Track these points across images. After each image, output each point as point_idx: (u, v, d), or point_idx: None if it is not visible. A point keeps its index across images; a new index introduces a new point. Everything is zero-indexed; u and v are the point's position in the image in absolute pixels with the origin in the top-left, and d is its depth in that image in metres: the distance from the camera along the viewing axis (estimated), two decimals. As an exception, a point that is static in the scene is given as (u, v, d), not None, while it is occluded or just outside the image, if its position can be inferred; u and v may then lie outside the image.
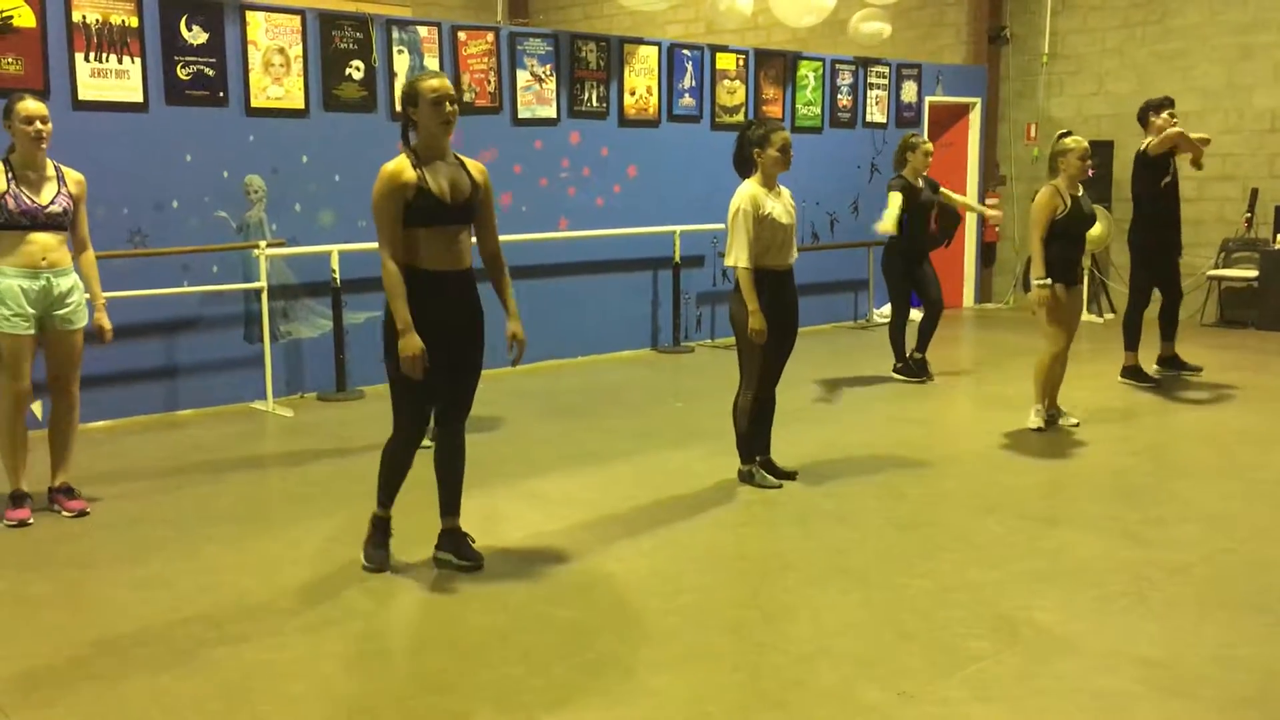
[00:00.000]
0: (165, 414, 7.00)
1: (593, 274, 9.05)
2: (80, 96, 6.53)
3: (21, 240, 4.76)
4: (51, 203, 4.84)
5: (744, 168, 5.30)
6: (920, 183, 7.79)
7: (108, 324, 5.05)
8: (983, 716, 3.16)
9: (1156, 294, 7.70)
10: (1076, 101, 11.41)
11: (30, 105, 4.82)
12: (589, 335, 9.00)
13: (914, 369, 7.88)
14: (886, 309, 10.82)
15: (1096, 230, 6.54)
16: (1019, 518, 4.92)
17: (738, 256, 5.14)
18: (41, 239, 4.81)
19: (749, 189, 5.20)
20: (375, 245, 7.05)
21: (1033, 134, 11.72)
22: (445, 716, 3.19)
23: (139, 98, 6.75)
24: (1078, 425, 6.45)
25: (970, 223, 11.94)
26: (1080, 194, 6.33)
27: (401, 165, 4.03)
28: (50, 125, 4.87)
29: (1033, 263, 6.23)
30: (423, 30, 7.90)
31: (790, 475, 5.45)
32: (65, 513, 4.97)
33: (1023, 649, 3.60)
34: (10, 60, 6.27)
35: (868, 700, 3.24)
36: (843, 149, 10.69)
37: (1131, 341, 7.62)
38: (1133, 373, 7.62)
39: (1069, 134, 6.40)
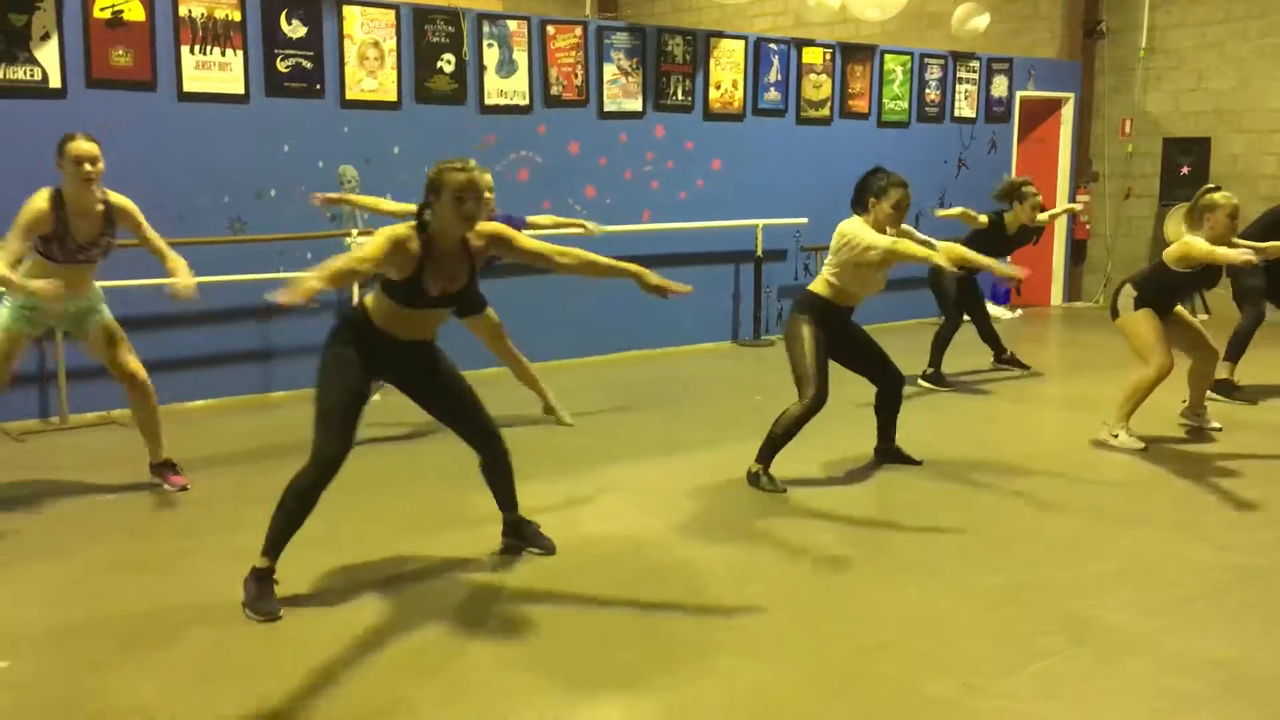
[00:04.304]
0: (260, 395, 7.26)
1: (675, 266, 9.09)
2: (185, 88, 6.79)
3: (54, 271, 4.70)
4: (94, 245, 4.83)
5: (858, 209, 5.28)
6: (1014, 230, 7.68)
7: (189, 281, 4.88)
8: (1048, 713, 3.18)
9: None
10: (1174, 97, 11.16)
11: (81, 146, 4.68)
12: (670, 327, 9.08)
13: (941, 379, 7.72)
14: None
15: None
16: (1095, 519, 4.88)
17: (873, 242, 5.06)
18: (71, 273, 4.76)
19: (858, 222, 5.20)
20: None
21: (1127, 130, 11.49)
22: (518, 690, 3.31)
23: (240, 89, 7.00)
24: (1220, 430, 6.32)
25: (1060, 220, 11.76)
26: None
27: (410, 239, 3.75)
28: (101, 165, 4.72)
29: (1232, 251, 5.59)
30: (512, 24, 8.05)
31: (916, 461, 5.65)
32: (168, 487, 5.20)
33: (1093, 647, 3.60)
34: (121, 52, 6.55)
35: (932, 692, 3.28)
36: (930, 144, 10.61)
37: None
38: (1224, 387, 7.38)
39: (1217, 189, 5.85)
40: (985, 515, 4.95)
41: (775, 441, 5.28)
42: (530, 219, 6.15)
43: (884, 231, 5.19)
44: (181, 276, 4.87)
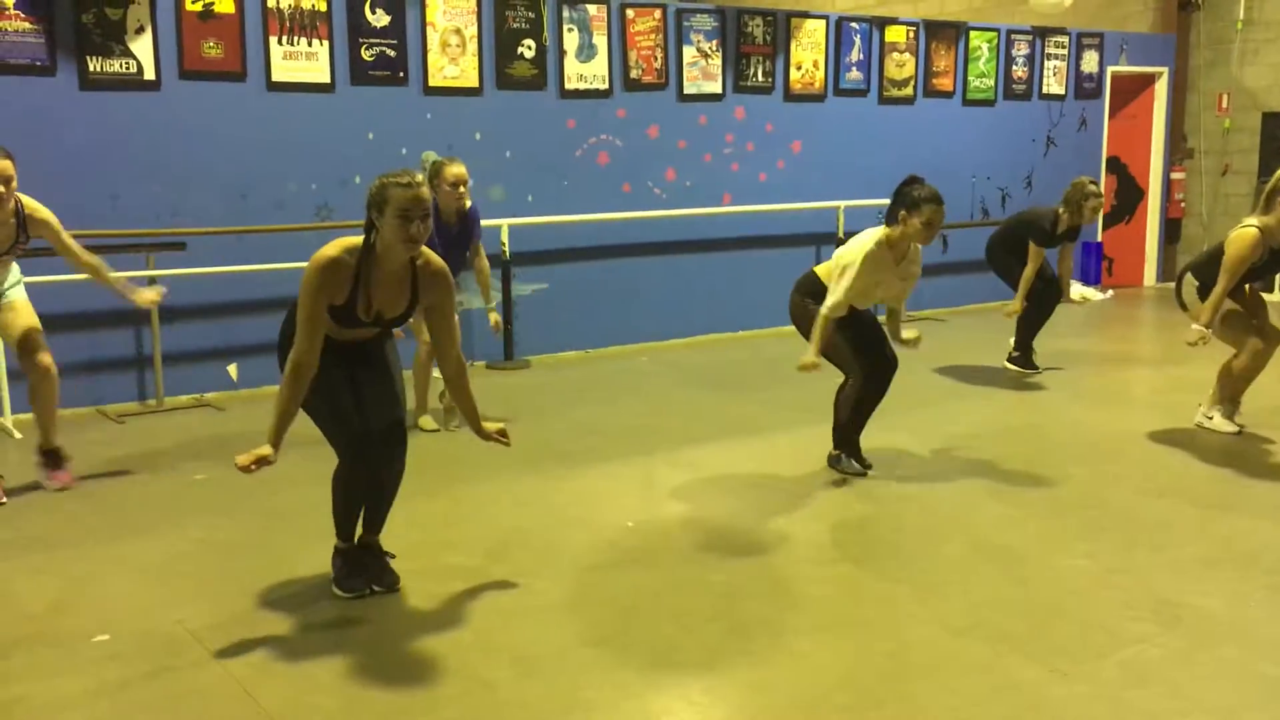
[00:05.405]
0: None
1: (755, 249, 9.08)
2: (274, 78, 6.93)
3: None
4: (7, 253, 4.84)
5: (889, 222, 5.00)
6: (1065, 229, 7.25)
7: (150, 295, 5.19)
8: (1138, 699, 3.11)
9: None
10: (1273, 71, 10.77)
11: None
12: (751, 310, 9.04)
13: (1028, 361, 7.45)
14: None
15: None
16: (1189, 503, 4.76)
17: (831, 305, 4.89)
18: None
19: (877, 248, 4.88)
20: (544, 219, 7.18)
21: (1224, 105, 11.12)
22: (595, 666, 3.34)
23: (326, 78, 7.12)
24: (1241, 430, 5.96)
25: (1154, 198, 11.45)
26: None
27: (341, 261, 3.54)
28: (14, 184, 4.68)
29: (1204, 307, 5.48)
30: (592, 9, 8.06)
31: (866, 466, 5.22)
32: (50, 482, 5.06)
33: (1186, 633, 3.51)
34: (212, 44, 6.71)
35: (1019, 676, 3.23)
36: (1016, 122, 10.40)
37: None
38: None
39: None
40: (1072, 498, 4.85)
41: (842, 427, 5.22)
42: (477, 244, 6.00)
43: (907, 250, 4.96)
44: (137, 292, 5.12)
